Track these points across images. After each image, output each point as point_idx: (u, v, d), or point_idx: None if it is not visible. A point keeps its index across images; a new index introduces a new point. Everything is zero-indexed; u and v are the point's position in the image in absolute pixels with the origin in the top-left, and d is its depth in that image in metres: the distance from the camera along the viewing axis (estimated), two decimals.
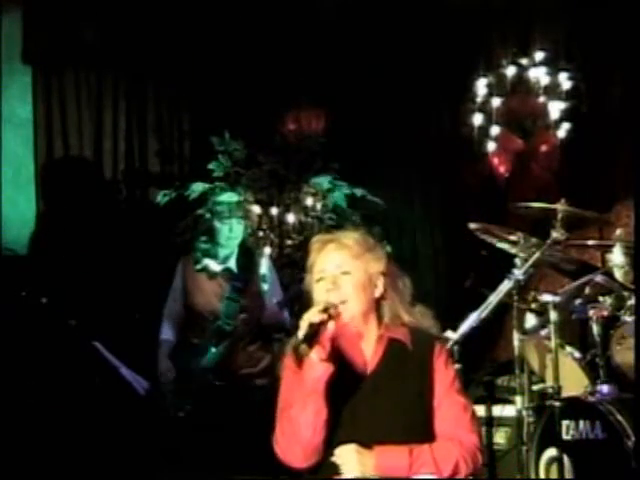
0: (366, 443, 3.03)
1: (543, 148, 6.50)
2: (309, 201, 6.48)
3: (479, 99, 6.57)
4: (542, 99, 6.49)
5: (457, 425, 3.08)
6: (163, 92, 6.99)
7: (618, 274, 5.01)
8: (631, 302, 4.72)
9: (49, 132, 6.67)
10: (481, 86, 6.57)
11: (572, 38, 6.57)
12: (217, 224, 5.21)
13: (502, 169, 6.54)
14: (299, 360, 3.07)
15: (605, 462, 4.24)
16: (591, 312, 4.76)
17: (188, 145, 7.00)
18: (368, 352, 3.16)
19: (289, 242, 6.47)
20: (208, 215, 5.31)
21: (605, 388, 4.56)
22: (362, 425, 3.06)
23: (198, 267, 5.22)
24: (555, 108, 6.44)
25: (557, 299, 4.54)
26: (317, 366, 3.02)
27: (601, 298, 4.82)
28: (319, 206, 6.46)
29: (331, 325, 3.01)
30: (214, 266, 5.23)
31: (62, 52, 6.67)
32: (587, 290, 4.88)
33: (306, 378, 3.04)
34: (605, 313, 4.77)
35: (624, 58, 6.20)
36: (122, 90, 6.89)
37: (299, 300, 5.61)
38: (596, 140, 6.40)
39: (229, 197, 5.34)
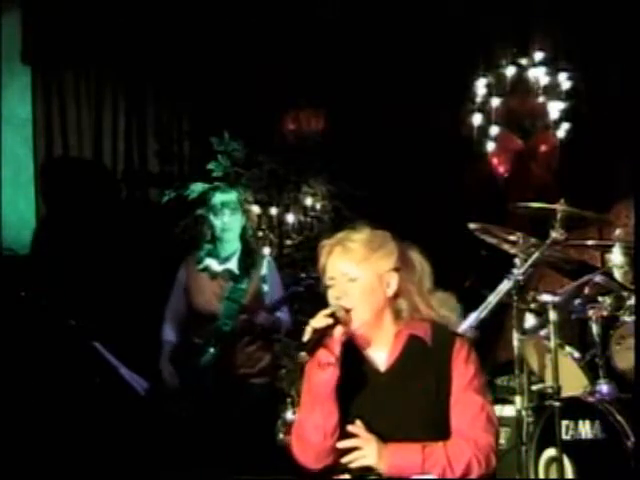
0: (381, 439, 3.01)
1: (542, 148, 6.50)
2: (308, 201, 6.49)
3: (478, 99, 6.57)
4: (541, 99, 6.49)
5: (473, 424, 3.02)
6: (163, 92, 6.99)
7: (617, 274, 5.01)
8: (630, 302, 4.71)
9: (49, 132, 6.68)
10: (480, 86, 6.58)
11: (571, 38, 6.57)
12: (213, 219, 5.22)
13: (501, 169, 6.54)
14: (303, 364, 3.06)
15: (605, 462, 4.25)
16: (590, 312, 4.76)
17: (188, 145, 7.00)
18: (384, 350, 3.12)
19: (289, 242, 6.47)
20: (207, 214, 5.32)
21: (604, 388, 4.56)
22: (377, 423, 3.03)
23: (200, 267, 5.22)
24: (554, 108, 6.44)
25: (556, 299, 4.53)
26: (323, 371, 3.00)
27: (600, 298, 4.82)
28: (318, 206, 6.47)
29: (338, 329, 2.99)
30: (215, 266, 5.22)
31: (61, 52, 6.67)
32: (586, 290, 4.88)
33: (313, 382, 3.03)
34: (604, 313, 4.76)
35: (624, 58, 6.21)
36: (122, 90, 6.89)
37: (298, 300, 5.64)
38: (595, 140, 6.40)
39: (224, 193, 5.35)
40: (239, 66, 6.75)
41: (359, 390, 3.07)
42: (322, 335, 2.98)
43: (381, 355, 3.12)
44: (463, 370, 3.06)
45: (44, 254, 6.32)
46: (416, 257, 3.20)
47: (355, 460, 3.01)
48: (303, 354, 2.97)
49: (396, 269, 3.10)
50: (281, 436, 6.01)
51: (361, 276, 3.06)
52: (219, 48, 6.78)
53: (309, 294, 5.55)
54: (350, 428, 3.02)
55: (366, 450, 2.99)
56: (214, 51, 6.79)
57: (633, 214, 4.84)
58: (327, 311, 3.01)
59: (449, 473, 2.98)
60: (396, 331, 3.12)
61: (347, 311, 3.03)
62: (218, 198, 5.26)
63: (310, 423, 3.03)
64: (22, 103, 6.64)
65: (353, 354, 3.10)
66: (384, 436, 3.02)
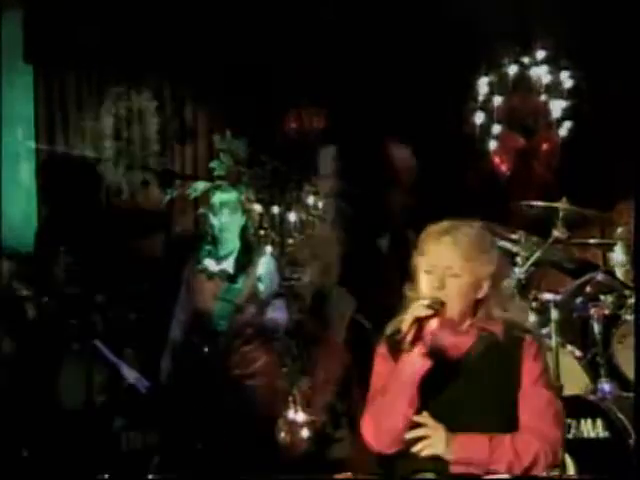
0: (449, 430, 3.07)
1: (545, 147, 6.49)
2: (311, 200, 6.48)
3: (481, 98, 6.56)
4: (544, 97, 6.49)
5: (540, 418, 3.06)
6: (164, 91, 6.98)
7: (619, 273, 5.02)
8: (632, 301, 4.72)
9: (50, 131, 6.68)
10: (483, 85, 6.57)
11: (574, 36, 6.56)
12: (212, 219, 5.24)
13: (504, 168, 6.54)
14: (396, 350, 3.10)
15: (606, 461, 4.25)
16: (592, 311, 4.77)
17: (190, 143, 7.00)
18: (458, 345, 3.16)
19: (290, 241, 6.45)
20: (207, 213, 5.33)
21: (606, 387, 4.57)
22: (446, 414, 3.08)
23: (199, 267, 5.25)
24: (557, 106, 6.44)
25: (558, 298, 4.55)
26: (416, 360, 3.05)
27: (602, 297, 4.83)
28: (320, 205, 6.45)
29: (434, 321, 3.04)
30: (213, 266, 5.25)
31: (63, 51, 6.67)
32: (588, 289, 4.90)
33: (403, 370, 3.07)
34: (606, 312, 4.78)
35: (626, 56, 6.20)
36: (124, 89, 6.89)
37: (297, 299, 5.64)
38: (598, 139, 6.39)
39: (224, 192, 5.36)
40: (241, 65, 6.74)
41: (432, 381, 3.10)
42: (420, 325, 3.02)
43: (454, 349, 3.16)
44: (532, 365, 3.11)
45: (45, 253, 6.32)
46: (502, 263, 3.24)
47: (424, 448, 3.05)
48: (406, 341, 3.01)
49: (491, 276, 3.14)
50: (282, 435, 6.01)
51: (463, 274, 3.09)
52: (221, 47, 6.77)
53: (290, 295, 5.57)
54: (417, 418, 3.07)
55: (434, 439, 3.05)
56: (216, 50, 6.79)
57: (633, 214, 4.84)
58: (426, 302, 3.05)
59: (516, 466, 3.02)
60: (470, 327, 3.16)
61: (442, 304, 3.07)
62: (218, 197, 5.29)
63: (396, 409, 3.07)
64: (24, 102, 6.64)
65: (435, 347, 3.13)
66: (451, 427, 3.06)
